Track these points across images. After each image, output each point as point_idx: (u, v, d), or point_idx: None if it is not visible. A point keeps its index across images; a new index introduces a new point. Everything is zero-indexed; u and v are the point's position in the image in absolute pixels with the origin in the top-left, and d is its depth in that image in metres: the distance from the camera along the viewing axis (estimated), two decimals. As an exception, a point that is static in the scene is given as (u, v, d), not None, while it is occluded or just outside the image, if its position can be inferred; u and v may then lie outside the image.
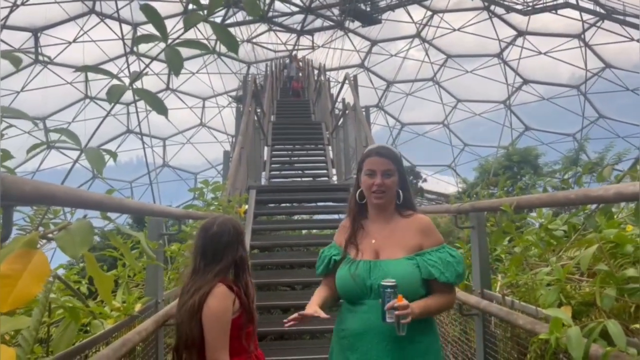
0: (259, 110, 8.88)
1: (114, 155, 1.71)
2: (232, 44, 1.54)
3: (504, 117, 21.31)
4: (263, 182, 8.70)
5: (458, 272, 1.94)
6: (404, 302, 1.76)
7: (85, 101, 21.44)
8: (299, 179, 9.49)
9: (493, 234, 2.32)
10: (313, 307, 1.92)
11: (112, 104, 1.57)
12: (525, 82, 20.59)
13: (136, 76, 1.66)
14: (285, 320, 1.90)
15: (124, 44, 17.89)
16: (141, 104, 21.24)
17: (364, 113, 7.22)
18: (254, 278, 5.44)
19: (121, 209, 1.57)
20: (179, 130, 23.78)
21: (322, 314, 1.88)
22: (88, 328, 2.23)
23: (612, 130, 18.71)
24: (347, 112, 7.86)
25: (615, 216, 2.24)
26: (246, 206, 6.04)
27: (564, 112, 20.33)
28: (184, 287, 2.06)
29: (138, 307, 2.31)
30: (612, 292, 1.61)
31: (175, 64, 1.62)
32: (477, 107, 22.15)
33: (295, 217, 8.08)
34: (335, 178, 8.77)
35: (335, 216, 7.30)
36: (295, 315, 1.88)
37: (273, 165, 9.51)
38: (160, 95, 22.19)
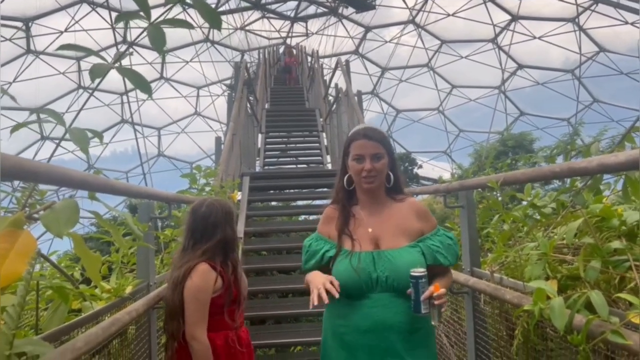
0: (251, 97, 8.84)
1: (99, 135, 1.71)
2: (215, 20, 1.53)
3: (499, 103, 21.30)
4: (257, 169, 8.69)
5: (457, 254, 1.95)
6: (442, 290, 1.69)
7: (79, 91, 21.25)
8: (294, 166, 9.49)
9: (481, 211, 2.33)
10: (327, 278, 1.74)
11: (95, 82, 1.57)
12: (520, 67, 20.54)
13: (119, 55, 1.65)
14: (312, 306, 1.70)
15: (114, 32, 17.72)
16: (135, 95, 21.10)
17: (356, 98, 7.20)
18: (250, 264, 5.54)
19: (107, 188, 1.57)
20: (174, 119, 23.65)
21: (335, 280, 1.73)
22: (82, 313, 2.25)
23: (607, 114, 18.73)
24: (339, 97, 7.83)
25: (603, 198, 2.25)
26: (239, 193, 6.04)
27: (559, 96, 20.31)
28: (173, 264, 2.15)
29: (129, 289, 2.32)
30: (597, 265, 1.63)
31: (158, 43, 1.61)
32: (472, 93, 22.10)
33: (291, 203, 8.08)
34: (330, 165, 8.77)
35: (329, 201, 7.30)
36: (319, 292, 1.67)
37: (267, 153, 9.50)
38: (154, 84, 22.11)
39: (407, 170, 18.09)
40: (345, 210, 1.95)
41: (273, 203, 7.45)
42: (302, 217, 7.81)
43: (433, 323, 1.71)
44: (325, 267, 1.92)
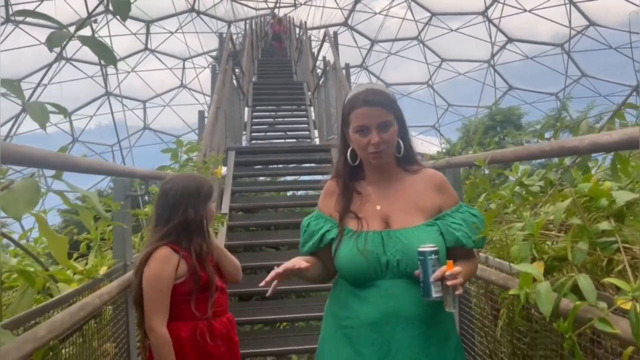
0: (237, 69, 8.65)
1: (63, 110, 1.60)
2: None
3: (488, 77, 21.19)
4: (244, 144, 8.57)
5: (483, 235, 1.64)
6: (456, 268, 1.41)
7: (61, 62, 20.70)
8: (281, 141, 9.37)
9: (468, 188, 2.26)
10: (292, 261, 1.55)
11: (54, 51, 1.45)
12: (510, 40, 20.35)
13: (81, 23, 1.53)
14: (261, 284, 1.54)
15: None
16: (122, 65, 20.62)
17: (344, 72, 7.06)
18: (237, 240, 5.47)
19: (71, 167, 1.47)
20: (159, 92, 23.23)
21: (303, 263, 1.53)
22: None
23: (594, 89, 18.72)
24: (327, 71, 7.68)
25: (592, 174, 2.20)
26: (224, 168, 5.94)
27: (548, 71, 20.23)
28: (146, 243, 2.07)
29: (104, 269, 2.24)
30: (584, 246, 1.57)
31: (122, 9, 1.50)
32: (461, 67, 21.95)
33: (278, 178, 8.00)
34: (317, 140, 8.67)
35: (319, 177, 7.25)
36: (272, 274, 1.50)
37: (254, 127, 9.36)
38: (138, 55, 21.65)
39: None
40: (348, 186, 1.68)
41: (260, 178, 7.37)
42: (290, 193, 7.75)
43: (447, 309, 1.43)
44: (326, 250, 1.66)
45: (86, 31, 1.47)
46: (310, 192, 7.79)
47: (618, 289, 1.37)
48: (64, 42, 1.45)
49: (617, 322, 1.27)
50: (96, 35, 1.49)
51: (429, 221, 1.58)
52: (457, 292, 1.40)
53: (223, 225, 4.64)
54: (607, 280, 1.34)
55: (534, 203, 2.14)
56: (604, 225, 1.55)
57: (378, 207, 1.62)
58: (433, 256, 1.41)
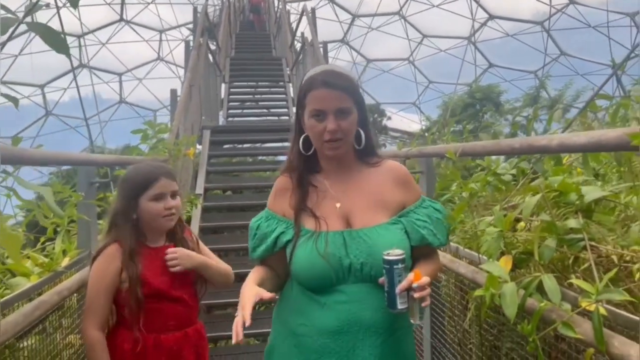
0: (213, 44, 8.43)
1: (14, 101, 1.50)
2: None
3: (469, 54, 21.16)
4: (221, 121, 8.41)
5: (447, 231, 1.54)
6: (424, 278, 1.29)
7: (30, 34, 19.98)
8: (258, 118, 9.23)
9: (439, 181, 2.24)
10: (250, 300, 1.32)
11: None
12: (491, 17, 20.28)
13: (31, 8, 1.43)
14: (234, 342, 1.28)
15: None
16: (100, 36, 20.01)
17: (321, 50, 6.93)
18: (212, 221, 5.40)
19: (17, 160, 1.38)
20: (136, 65, 22.64)
21: (266, 294, 1.34)
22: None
23: (572, 67, 18.86)
24: (305, 48, 7.53)
25: (563, 160, 2.19)
26: (198, 147, 5.82)
27: (527, 49, 20.29)
28: None
29: (65, 261, 2.17)
30: (552, 243, 1.56)
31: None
32: (442, 43, 21.85)
33: (252, 158, 7.90)
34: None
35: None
36: (239, 324, 1.27)
37: (231, 104, 9.19)
38: (113, 27, 20.99)
39: (375, 122, 18.01)
40: (303, 180, 1.50)
41: (235, 160, 7.26)
42: (268, 173, 7.67)
43: (412, 321, 1.33)
44: (280, 254, 1.49)
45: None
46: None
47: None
48: (12, 28, 1.35)
49: (581, 324, 1.26)
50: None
51: (393, 219, 1.45)
52: (423, 304, 1.29)
53: (197, 207, 4.56)
54: (572, 281, 1.33)
55: (505, 196, 2.12)
56: (572, 222, 1.53)
57: (338, 205, 1.47)
58: (399, 265, 1.30)
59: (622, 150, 1.07)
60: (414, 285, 1.28)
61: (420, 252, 1.47)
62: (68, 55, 1.44)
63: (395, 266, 1.29)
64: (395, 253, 1.31)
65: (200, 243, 2.02)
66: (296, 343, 1.43)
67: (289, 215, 1.50)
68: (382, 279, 1.32)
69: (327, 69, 1.48)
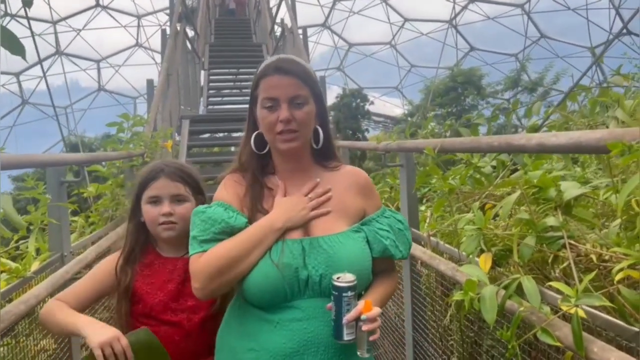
0: (191, 30, 8.25)
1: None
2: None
3: (450, 37, 21.13)
4: (201, 109, 8.28)
5: (409, 243, 1.40)
6: (375, 309, 1.18)
7: (5, 19, 19.38)
8: (240, 106, 9.09)
9: (418, 176, 2.21)
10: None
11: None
12: (472, 0, 20.24)
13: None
14: None
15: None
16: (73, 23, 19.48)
17: (301, 37, 6.81)
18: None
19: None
20: (114, 51, 22.16)
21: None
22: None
23: (553, 50, 18.95)
24: (285, 35, 7.41)
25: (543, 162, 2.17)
26: (177, 138, 5.72)
27: (508, 32, 20.33)
28: None
29: (35, 266, 2.09)
30: (531, 242, 1.54)
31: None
32: (423, 27, 21.78)
33: (232, 148, 7.80)
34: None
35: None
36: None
37: (211, 92, 9.03)
38: (89, 12, 20.46)
39: (358, 106, 17.92)
40: (256, 180, 1.34)
41: (215, 149, 7.15)
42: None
43: (359, 354, 1.20)
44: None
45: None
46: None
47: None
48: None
49: (561, 328, 1.24)
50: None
51: (355, 226, 1.32)
52: (371, 338, 1.18)
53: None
54: (551, 284, 1.31)
55: (484, 191, 2.10)
56: (551, 220, 1.51)
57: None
58: (349, 293, 1.17)
59: (602, 153, 1.04)
60: (363, 317, 1.16)
61: (379, 265, 1.34)
62: (24, 57, 1.36)
63: (344, 294, 1.17)
64: (346, 279, 1.18)
65: None
66: None
67: (243, 211, 1.31)
68: (329, 305, 1.19)
69: (281, 56, 1.36)
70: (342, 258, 1.24)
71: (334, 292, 1.18)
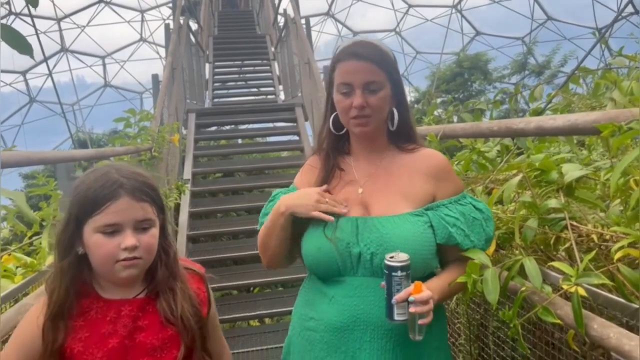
0: (194, 23, 8.26)
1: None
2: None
3: (456, 22, 20.93)
4: (206, 102, 8.31)
5: (487, 235, 1.35)
6: (425, 292, 1.16)
7: (10, 18, 19.46)
8: (245, 98, 9.11)
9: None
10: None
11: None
12: (477, -17, 20.00)
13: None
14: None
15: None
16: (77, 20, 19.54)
17: (304, 27, 6.81)
18: (200, 206, 5.37)
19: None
20: (119, 47, 22.22)
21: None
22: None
23: (559, 32, 18.74)
24: (288, 26, 7.40)
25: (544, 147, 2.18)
26: (185, 130, 5.76)
27: (514, 15, 20.10)
28: None
29: (50, 259, 2.14)
30: (533, 224, 1.57)
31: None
32: (428, 13, 21.58)
33: (240, 140, 7.84)
34: (282, 95, 8.47)
35: (284, 137, 7.15)
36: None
37: (216, 85, 9.06)
38: (92, 8, 20.50)
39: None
40: (329, 161, 1.40)
41: (222, 142, 7.19)
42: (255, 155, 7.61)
43: (410, 336, 1.19)
44: (292, 231, 1.38)
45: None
46: (282, 154, 7.69)
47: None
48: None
49: (562, 307, 1.27)
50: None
51: (418, 210, 1.30)
52: (421, 322, 1.16)
53: (185, 193, 4.53)
54: (553, 264, 1.33)
55: (488, 176, 2.12)
56: (553, 202, 1.53)
57: (360, 190, 1.36)
58: (399, 273, 1.15)
59: (597, 135, 1.06)
60: (411, 298, 1.15)
61: (450, 254, 1.33)
62: (32, 56, 1.40)
63: (394, 273, 1.16)
64: (398, 258, 1.17)
65: (213, 306, 1.29)
66: (307, 338, 1.33)
67: None
68: (382, 283, 1.20)
69: (358, 40, 1.36)
70: (395, 239, 1.24)
71: (385, 270, 1.18)
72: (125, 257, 1.09)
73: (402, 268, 1.16)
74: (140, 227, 1.12)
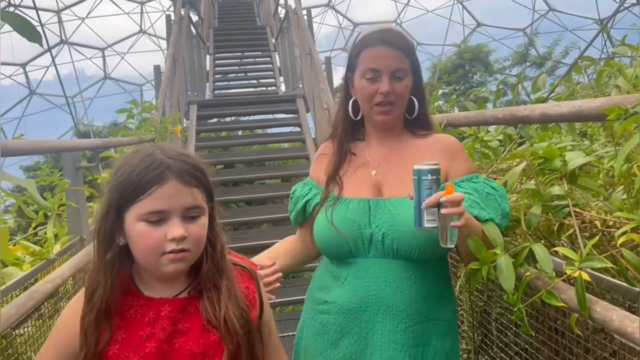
0: (195, 15, 8.24)
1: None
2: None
3: (457, 13, 20.84)
4: (207, 94, 8.31)
5: (503, 210, 1.32)
6: (457, 193, 1.13)
7: (9, 9, 19.37)
8: (245, 90, 9.10)
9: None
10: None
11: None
12: (478, -26, 19.89)
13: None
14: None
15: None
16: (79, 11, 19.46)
17: (305, 18, 6.79)
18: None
19: (8, 152, 1.36)
20: (118, 39, 22.14)
21: (265, 263, 1.34)
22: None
23: (561, 23, 18.68)
24: (289, 17, 7.38)
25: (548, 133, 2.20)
26: (186, 122, 5.76)
27: (515, 6, 20.02)
28: None
29: (57, 248, 2.17)
30: (537, 211, 1.58)
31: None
32: (429, 4, 21.51)
33: (240, 132, 7.85)
34: (283, 87, 8.46)
35: (287, 129, 7.16)
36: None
37: (217, 76, 9.05)
38: (92, 0, 20.40)
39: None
40: (343, 146, 1.42)
41: (223, 134, 7.20)
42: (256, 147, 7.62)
43: (441, 244, 1.16)
44: (310, 221, 1.43)
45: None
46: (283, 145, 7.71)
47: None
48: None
49: (566, 291, 1.29)
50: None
51: None
52: (453, 224, 1.13)
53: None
54: (557, 249, 1.35)
55: (492, 164, 2.13)
56: (556, 189, 1.55)
57: (373, 172, 1.37)
58: (429, 176, 1.12)
59: (602, 121, 1.08)
60: (442, 199, 1.11)
61: None
62: (41, 44, 1.41)
63: (423, 177, 1.12)
64: (426, 163, 1.14)
65: (267, 310, 1.13)
66: (321, 321, 1.35)
67: (322, 182, 1.43)
68: (411, 194, 1.17)
69: (385, 27, 1.38)
70: (406, 220, 1.21)
71: (414, 177, 1.15)
72: (173, 249, 0.96)
73: (431, 172, 1.14)
74: (189, 215, 0.99)
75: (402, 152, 1.39)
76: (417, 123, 1.41)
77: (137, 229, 0.96)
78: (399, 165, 1.37)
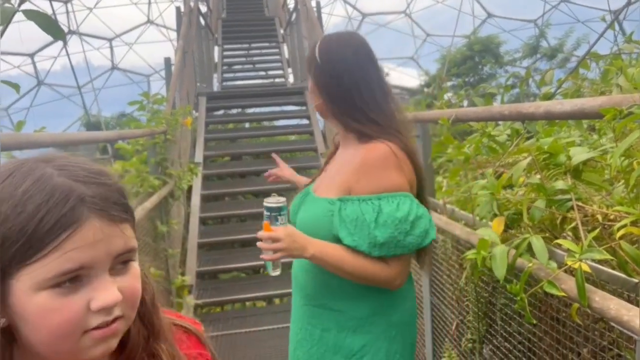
0: (204, 5, 8.27)
1: (15, 87, 1.54)
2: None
3: (467, 4, 20.68)
4: (215, 85, 8.36)
5: (374, 240, 1.32)
6: (267, 232, 1.30)
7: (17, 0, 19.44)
8: (253, 82, 9.15)
9: (433, 146, 2.29)
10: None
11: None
12: (488, -35, 19.71)
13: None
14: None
15: None
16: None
17: (315, 9, 6.81)
18: (211, 189, 5.46)
19: (27, 144, 1.43)
20: (126, 29, 22.20)
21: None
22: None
23: (573, 14, 18.48)
24: (298, 8, 7.40)
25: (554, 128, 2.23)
26: (196, 113, 5.83)
27: (526, -4, 19.83)
28: None
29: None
30: (541, 204, 1.63)
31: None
32: (439, -6, 21.33)
33: (247, 124, 7.89)
34: (291, 78, 8.49)
35: (295, 121, 7.19)
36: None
37: (225, 68, 9.09)
38: (99, -10, 20.40)
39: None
40: (333, 150, 1.66)
41: (230, 126, 7.26)
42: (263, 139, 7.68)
43: (270, 272, 1.38)
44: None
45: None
46: (291, 137, 7.75)
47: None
48: (9, 17, 1.37)
49: (566, 282, 1.34)
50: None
51: (335, 198, 1.40)
52: (261, 256, 1.32)
53: (197, 176, 4.62)
54: (559, 242, 1.40)
55: (499, 158, 2.18)
56: (560, 184, 1.59)
57: (323, 173, 1.61)
58: (265, 212, 1.32)
59: (602, 119, 1.12)
60: (258, 234, 1.33)
61: None
62: (64, 40, 1.47)
63: (265, 212, 1.32)
64: (271, 200, 1.33)
65: None
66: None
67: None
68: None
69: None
70: (298, 218, 1.50)
71: (264, 212, 1.35)
72: (101, 322, 0.60)
73: (268, 209, 1.33)
74: (119, 262, 0.62)
75: (339, 158, 1.57)
76: (360, 130, 1.44)
77: (36, 302, 0.57)
78: (331, 169, 1.57)
